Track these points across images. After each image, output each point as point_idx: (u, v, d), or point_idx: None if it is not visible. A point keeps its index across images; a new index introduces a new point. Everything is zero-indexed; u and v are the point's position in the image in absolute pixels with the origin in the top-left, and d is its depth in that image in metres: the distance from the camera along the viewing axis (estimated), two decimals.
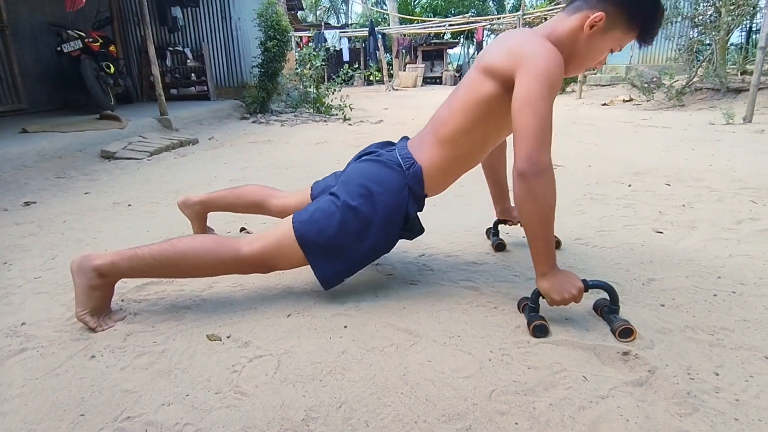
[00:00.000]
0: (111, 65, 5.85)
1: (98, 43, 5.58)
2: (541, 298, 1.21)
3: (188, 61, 7.59)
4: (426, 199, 1.43)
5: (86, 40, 5.34)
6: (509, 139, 1.37)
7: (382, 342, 1.16)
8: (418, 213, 1.41)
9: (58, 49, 5.24)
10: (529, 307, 1.21)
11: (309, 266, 1.33)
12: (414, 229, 1.42)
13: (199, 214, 1.85)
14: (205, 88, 7.55)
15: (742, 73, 7.16)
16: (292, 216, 1.35)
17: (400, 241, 1.82)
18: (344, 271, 1.33)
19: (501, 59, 1.22)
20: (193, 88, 7.59)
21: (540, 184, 1.12)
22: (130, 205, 2.50)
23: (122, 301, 1.40)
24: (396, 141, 1.55)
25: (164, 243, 1.29)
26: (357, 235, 1.31)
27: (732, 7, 6.32)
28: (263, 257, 1.31)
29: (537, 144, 1.11)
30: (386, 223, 1.33)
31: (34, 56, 5.95)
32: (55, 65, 6.01)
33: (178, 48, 7.59)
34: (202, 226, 1.88)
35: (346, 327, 1.23)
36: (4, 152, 3.28)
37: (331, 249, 1.30)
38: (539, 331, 1.17)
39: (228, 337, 1.19)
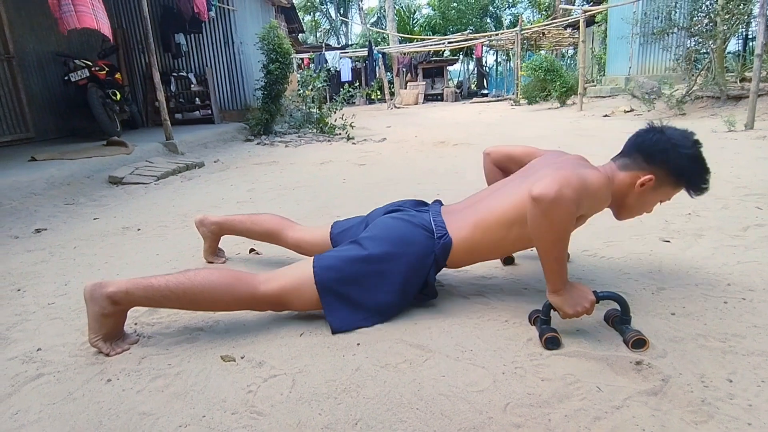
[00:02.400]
0: (117, 92, 5.96)
1: (104, 72, 5.70)
2: (552, 310, 1.22)
3: (192, 85, 7.73)
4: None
5: (93, 69, 5.46)
6: None
7: (395, 358, 1.16)
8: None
9: (66, 78, 5.35)
10: (541, 319, 1.22)
11: (321, 309, 1.33)
12: (429, 294, 1.43)
13: (214, 234, 1.87)
14: (210, 111, 7.67)
15: (741, 81, 7.20)
16: (312, 259, 1.36)
17: None
18: (355, 322, 1.32)
19: (562, 169, 1.26)
20: (197, 112, 7.71)
21: (557, 211, 1.11)
22: (139, 230, 2.53)
23: (135, 324, 1.41)
24: (429, 202, 1.59)
25: (180, 275, 1.29)
26: (375, 290, 1.33)
27: (727, 17, 6.39)
28: (279, 297, 1.32)
29: (559, 183, 1.11)
30: (405, 284, 1.34)
31: (41, 85, 6.08)
32: (62, 94, 6.13)
33: (182, 73, 7.74)
34: (213, 246, 1.91)
35: (358, 344, 1.24)
36: (13, 180, 3.33)
37: (347, 298, 1.32)
38: (551, 343, 1.17)
39: (242, 358, 1.20)
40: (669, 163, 1.28)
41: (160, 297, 1.27)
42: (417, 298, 1.42)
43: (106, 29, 4.27)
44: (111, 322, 1.26)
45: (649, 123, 1.38)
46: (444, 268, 1.45)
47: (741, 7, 6.27)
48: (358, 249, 1.36)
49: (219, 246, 1.94)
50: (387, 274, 1.33)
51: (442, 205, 1.55)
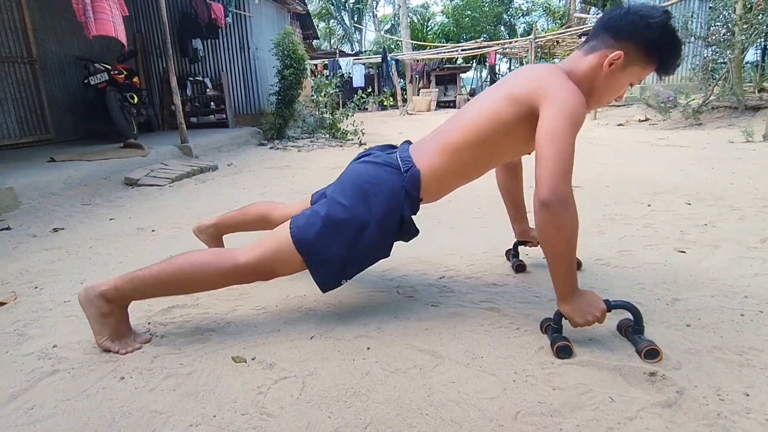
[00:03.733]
0: (135, 96, 6.07)
1: (123, 75, 5.81)
2: (563, 318, 1.21)
3: (208, 90, 7.84)
4: (422, 205, 1.42)
5: (112, 73, 5.57)
6: (526, 162, 1.38)
7: (405, 363, 1.16)
8: (413, 216, 1.40)
9: (85, 81, 5.46)
10: (552, 327, 1.21)
11: (308, 271, 1.33)
12: (409, 231, 1.41)
13: (213, 237, 1.88)
14: (224, 115, 7.76)
15: (759, 91, 7.11)
16: (289, 221, 1.36)
17: (419, 263, 1.84)
18: (341, 272, 1.32)
19: (526, 89, 1.25)
20: (212, 116, 7.81)
21: (563, 214, 1.11)
22: (153, 231, 2.56)
23: (149, 324, 1.43)
24: (398, 145, 1.56)
25: (163, 262, 1.31)
26: (353, 235, 1.31)
27: (745, 26, 6.32)
28: (262, 264, 1.31)
29: (560, 175, 1.11)
30: (382, 223, 1.32)
31: (61, 88, 6.21)
32: (82, 97, 6.26)
33: (198, 78, 7.85)
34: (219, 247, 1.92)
35: (369, 348, 1.24)
36: (32, 181, 3.40)
37: (328, 251, 1.30)
38: (563, 352, 1.16)
39: (253, 359, 1.21)
40: (638, 35, 1.22)
41: (147, 286, 1.28)
42: (401, 239, 1.40)
43: (122, 36, 4.35)
44: (112, 321, 1.28)
45: (617, 2, 1.34)
46: (423, 204, 1.41)
47: (760, 17, 6.19)
48: (328, 201, 1.35)
49: (224, 247, 1.95)
50: (361, 218, 1.31)
51: (411, 144, 1.51)
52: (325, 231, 1.30)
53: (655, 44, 1.23)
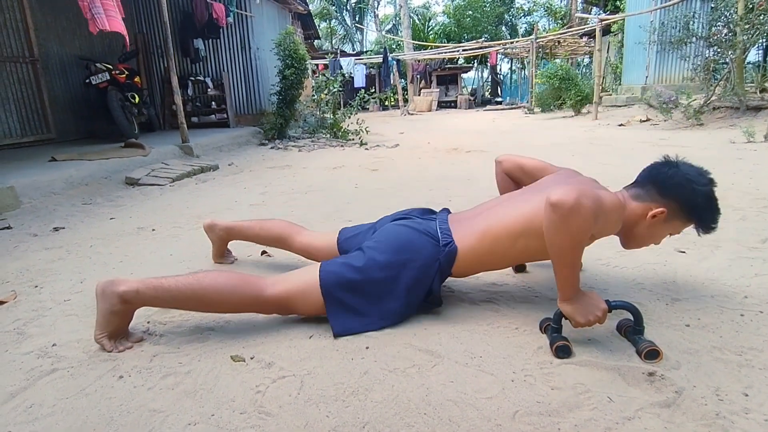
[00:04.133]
0: (136, 95, 6.08)
1: (124, 75, 5.82)
2: (563, 318, 1.20)
3: (209, 90, 7.85)
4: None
5: (113, 72, 5.58)
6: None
7: (403, 363, 1.16)
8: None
9: (87, 81, 5.47)
10: (552, 327, 1.21)
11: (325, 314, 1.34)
12: (434, 302, 1.43)
13: (222, 239, 1.89)
14: (225, 115, 7.77)
15: (761, 91, 7.09)
16: (319, 264, 1.38)
17: None
18: (357, 328, 1.32)
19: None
20: (213, 116, 7.82)
21: (575, 219, 1.09)
22: (153, 230, 2.56)
23: (148, 323, 1.43)
24: (436, 210, 1.59)
25: (189, 277, 1.31)
26: (378, 297, 1.33)
27: (747, 26, 6.31)
28: (286, 301, 1.33)
29: (581, 194, 1.09)
30: (409, 291, 1.34)
31: (63, 88, 6.22)
32: (83, 96, 6.27)
33: (199, 77, 7.86)
34: (222, 249, 1.93)
35: (367, 348, 1.24)
36: (34, 180, 3.40)
37: (351, 304, 1.32)
38: (562, 351, 1.16)
39: (251, 358, 1.21)
40: (682, 198, 1.28)
41: (169, 297, 1.29)
42: (422, 306, 1.42)
43: (122, 29, 4.34)
44: (118, 320, 1.29)
45: (665, 156, 1.38)
46: (449, 277, 1.45)
47: (762, 17, 6.18)
48: (364, 256, 1.37)
49: (228, 248, 1.96)
50: (391, 281, 1.33)
51: (449, 213, 1.55)
52: (355, 285, 1.32)
53: (697, 209, 1.29)
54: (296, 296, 1.33)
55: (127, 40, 4.46)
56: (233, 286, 1.31)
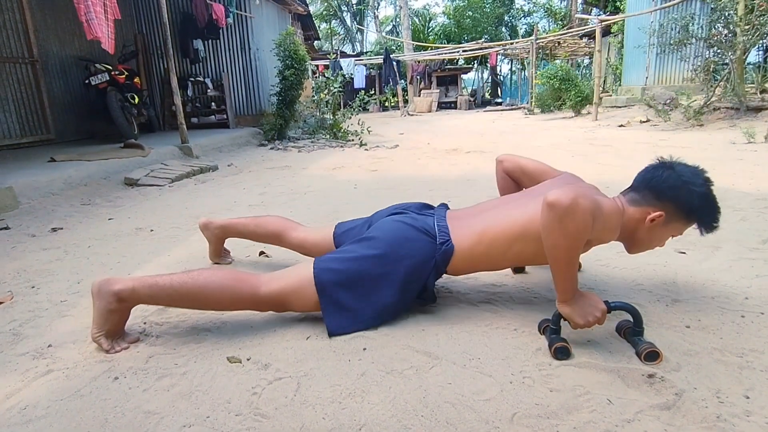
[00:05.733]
0: (135, 96, 6.07)
1: (124, 76, 5.81)
2: (562, 320, 1.19)
3: (209, 90, 7.84)
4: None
5: (113, 73, 5.57)
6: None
7: (401, 364, 1.15)
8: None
9: (86, 81, 5.47)
10: (551, 329, 1.20)
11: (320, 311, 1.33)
12: (428, 298, 1.42)
13: (218, 237, 1.88)
14: (225, 116, 7.77)
15: (761, 92, 7.08)
16: (313, 261, 1.37)
17: None
18: (352, 325, 1.32)
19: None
20: (213, 116, 7.82)
21: (571, 219, 1.08)
22: (152, 231, 2.55)
23: (144, 323, 1.42)
24: (434, 205, 1.58)
25: (184, 275, 1.31)
26: (373, 292, 1.32)
27: (747, 27, 6.30)
28: (280, 298, 1.33)
29: (578, 194, 1.09)
30: (403, 287, 1.34)
31: (62, 88, 6.21)
32: (82, 97, 6.26)
33: (199, 78, 7.85)
34: (218, 249, 1.92)
35: (365, 349, 1.23)
36: (33, 180, 3.40)
37: (346, 300, 1.31)
38: (561, 353, 1.15)
39: (248, 360, 1.20)
40: (679, 200, 1.27)
41: (164, 296, 1.28)
42: (415, 303, 1.41)
43: (110, 45, 4.22)
44: (115, 319, 1.28)
45: (659, 158, 1.37)
46: (444, 275, 1.44)
47: (762, 18, 6.17)
48: (358, 250, 1.36)
49: (225, 247, 1.95)
50: (386, 276, 1.32)
51: (447, 209, 1.53)
52: (349, 279, 1.31)
53: (696, 210, 1.28)
54: (291, 293, 1.32)
55: (112, 49, 4.32)
56: (228, 284, 1.31)
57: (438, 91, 19.30)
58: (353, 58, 16.38)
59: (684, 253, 1.86)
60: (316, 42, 17.32)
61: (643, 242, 1.36)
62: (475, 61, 22.70)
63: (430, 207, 1.58)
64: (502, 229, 1.33)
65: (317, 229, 1.73)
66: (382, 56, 15.74)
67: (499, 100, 21.00)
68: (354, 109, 7.92)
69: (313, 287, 1.31)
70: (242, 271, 1.42)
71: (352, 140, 7.15)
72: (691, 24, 7.50)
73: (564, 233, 1.11)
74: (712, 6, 6.89)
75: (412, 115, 15.36)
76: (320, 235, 1.67)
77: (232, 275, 1.35)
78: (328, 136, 7.59)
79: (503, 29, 27.22)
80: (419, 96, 18.22)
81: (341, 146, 6.73)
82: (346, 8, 31.08)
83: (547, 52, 16.67)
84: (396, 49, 21.00)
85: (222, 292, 1.30)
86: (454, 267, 1.39)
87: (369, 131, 7.22)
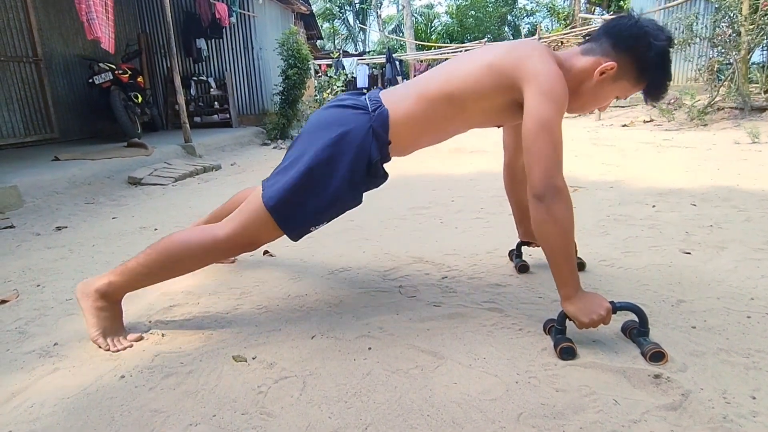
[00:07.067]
0: (139, 95, 6.08)
1: (127, 75, 5.82)
2: (568, 320, 1.19)
3: (212, 90, 7.85)
4: (394, 159, 1.38)
5: (116, 72, 5.58)
6: None
7: (406, 364, 1.15)
8: (384, 164, 1.36)
9: (90, 80, 5.48)
10: (556, 329, 1.20)
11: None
12: (378, 175, 1.35)
13: None
14: (228, 115, 7.77)
15: (765, 92, 7.05)
16: (260, 184, 1.34)
17: (421, 263, 1.83)
18: (311, 219, 1.29)
19: (510, 62, 1.22)
20: (216, 116, 7.83)
21: (557, 206, 1.13)
22: (156, 229, 2.56)
23: (149, 322, 1.43)
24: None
25: (148, 248, 1.31)
26: (321, 181, 1.26)
27: (751, 27, 6.28)
28: (241, 235, 1.29)
29: (552, 166, 1.12)
30: (349, 165, 1.26)
31: (66, 88, 6.22)
32: (86, 96, 6.27)
33: (202, 77, 7.86)
34: None
35: (370, 349, 1.23)
36: (37, 179, 3.41)
37: (297, 200, 1.26)
38: (567, 353, 1.15)
39: (253, 358, 1.20)
40: (637, 51, 1.20)
41: (137, 275, 1.29)
42: (370, 184, 1.36)
43: (110, 45, 4.25)
44: (107, 316, 1.29)
45: (629, 10, 1.32)
46: (393, 156, 1.36)
47: (766, 17, 6.15)
48: (292, 155, 1.32)
49: None
50: (327, 164, 1.26)
51: (381, 90, 1.45)
52: (294, 184, 1.26)
53: (649, 66, 1.22)
54: (250, 226, 1.29)
55: (112, 48, 4.34)
56: (188, 239, 1.30)
57: None
58: (356, 58, 16.38)
59: (689, 253, 1.86)
60: (318, 41, 17.32)
61: (585, 99, 1.30)
62: None
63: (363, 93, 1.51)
64: (437, 88, 1.28)
65: None
66: (385, 56, 15.72)
67: None
68: None
69: (265, 210, 1.26)
70: (200, 226, 1.40)
71: None
72: (695, 23, 7.48)
73: (555, 222, 1.14)
74: (717, 5, 6.86)
75: None
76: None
77: (190, 230, 1.35)
78: None
79: (506, 29, 27.18)
80: None
81: None
82: (349, 7, 31.06)
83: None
84: (399, 48, 20.99)
85: (185, 248, 1.28)
86: (395, 135, 1.31)
87: None
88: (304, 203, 1.27)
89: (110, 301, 1.31)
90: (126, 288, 1.32)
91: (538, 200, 1.13)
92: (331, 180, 1.27)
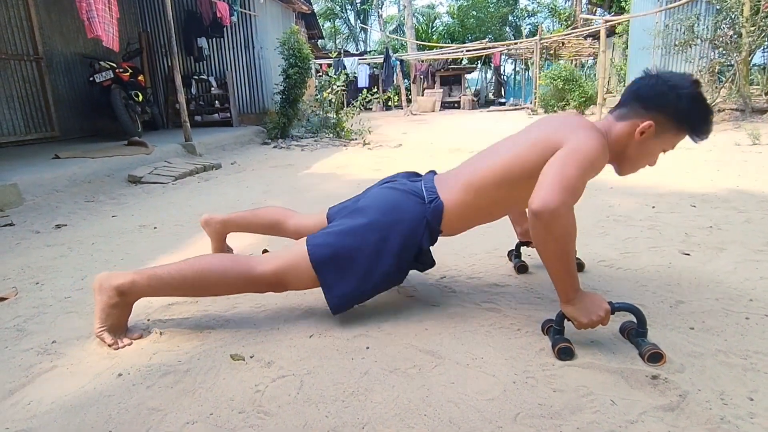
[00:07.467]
0: (139, 94, 6.08)
1: (128, 73, 5.83)
2: (566, 320, 1.19)
3: (212, 88, 7.86)
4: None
5: (117, 71, 5.59)
6: None
7: (404, 363, 1.15)
8: (431, 247, 1.41)
9: (91, 79, 5.49)
10: (554, 329, 1.20)
11: (318, 287, 1.33)
12: (426, 262, 1.42)
13: (219, 233, 1.88)
14: (228, 114, 7.78)
15: (766, 94, 7.05)
16: (306, 238, 1.37)
17: None
18: (354, 297, 1.32)
19: (553, 134, 1.25)
20: (216, 114, 7.83)
21: (554, 225, 1.09)
22: (155, 228, 2.56)
23: (148, 320, 1.43)
24: (422, 173, 1.57)
25: (182, 262, 1.32)
26: (369, 260, 1.31)
27: (752, 29, 6.27)
28: (276, 277, 1.32)
29: (556, 189, 1.09)
30: (398, 253, 1.33)
31: (67, 86, 6.23)
32: (87, 94, 6.28)
33: (202, 76, 7.87)
34: (221, 245, 1.92)
35: (368, 348, 1.23)
36: (37, 177, 3.41)
37: (343, 273, 1.31)
38: (564, 353, 1.14)
39: (251, 357, 1.20)
40: (668, 106, 1.22)
41: (163, 285, 1.29)
42: (415, 268, 1.40)
43: (115, 44, 4.27)
44: (117, 314, 1.29)
45: (644, 70, 1.31)
46: (441, 236, 1.41)
47: (767, 19, 6.14)
48: (348, 222, 1.36)
49: (227, 245, 1.95)
50: (379, 243, 1.31)
51: (435, 174, 1.52)
52: (342, 253, 1.31)
53: (685, 115, 1.23)
54: (287, 271, 1.32)
55: (117, 47, 4.36)
56: (224, 266, 1.31)
57: (441, 90, 19.30)
58: (356, 57, 16.38)
59: (688, 254, 1.86)
60: (319, 41, 17.32)
61: (634, 159, 1.31)
62: (479, 61, 22.68)
63: (419, 175, 1.57)
64: (484, 175, 1.32)
65: (312, 214, 1.73)
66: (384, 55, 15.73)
67: (503, 101, 20.99)
68: (356, 108, 7.92)
69: (308, 263, 1.30)
70: (238, 255, 1.43)
71: (355, 139, 7.16)
72: (696, 25, 7.47)
73: (554, 239, 1.12)
74: (718, 7, 6.86)
75: (415, 114, 15.36)
76: (316, 219, 1.66)
77: (229, 258, 1.36)
78: (331, 135, 7.60)
79: (507, 29, 27.19)
80: (422, 95, 18.21)
81: (344, 145, 6.74)
82: (350, 7, 31.06)
83: (551, 52, 16.63)
84: (400, 48, 20.99)
85: (218, 275, 1.30)
86: (448, 225, 1.38)
87: (370, 131, 7.22)
88: (347, 278, 1.31)
89: (127, 300, 1.30)
90: (148, 293, 1.32)
91: (535, 216, 1.10)
92: (378, 262, 1.32)
